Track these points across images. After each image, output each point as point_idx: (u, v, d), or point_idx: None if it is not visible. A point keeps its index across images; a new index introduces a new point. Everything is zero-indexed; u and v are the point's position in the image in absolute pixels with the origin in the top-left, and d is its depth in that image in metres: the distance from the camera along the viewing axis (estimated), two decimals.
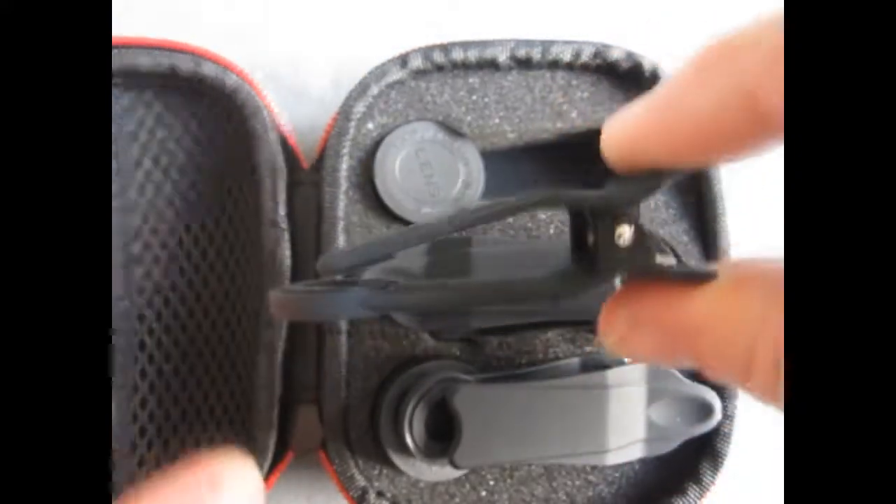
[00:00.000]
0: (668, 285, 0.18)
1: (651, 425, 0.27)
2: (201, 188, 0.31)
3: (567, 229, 0.30)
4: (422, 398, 0.27)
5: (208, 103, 0.31)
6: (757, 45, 0.15)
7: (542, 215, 0.30)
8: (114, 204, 0.30)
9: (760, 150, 0.16)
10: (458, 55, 0.30)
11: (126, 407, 0.30)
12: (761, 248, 0.32)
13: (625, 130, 0.17)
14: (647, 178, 0.17)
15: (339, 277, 0.25)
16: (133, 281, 0.30)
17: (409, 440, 0.27)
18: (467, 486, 0.29)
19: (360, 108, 0.29)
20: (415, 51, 0.30)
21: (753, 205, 0.33)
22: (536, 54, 0.30)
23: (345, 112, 0.29)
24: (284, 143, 0.30)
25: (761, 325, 0.16)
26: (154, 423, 0.30)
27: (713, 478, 0.28)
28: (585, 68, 0.31)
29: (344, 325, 0.29)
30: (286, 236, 0.29)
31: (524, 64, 0.30)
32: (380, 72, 0.29)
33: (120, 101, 0.31)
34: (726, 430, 0.28)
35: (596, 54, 0.30)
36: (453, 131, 0.30)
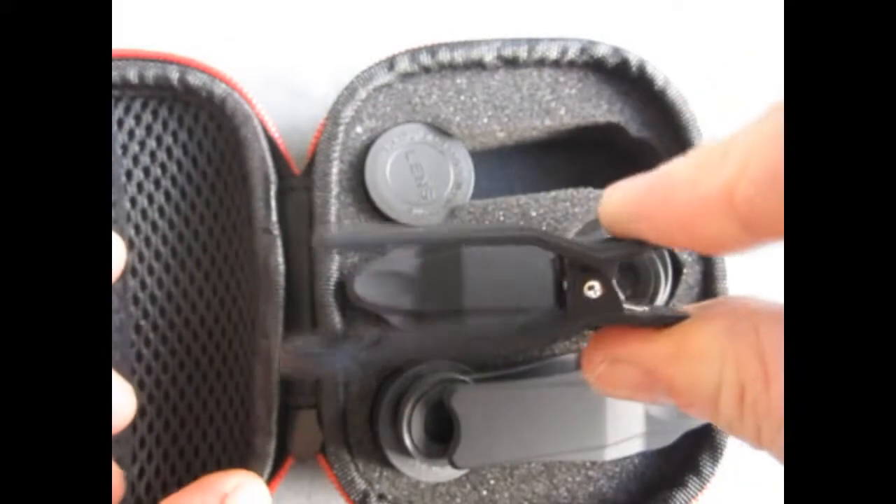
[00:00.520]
0: (643, 327, 0.19)
1: (650, 419, 0.27)
2: (193, 197, 0.31)
3: (559, 227, 0.30)
4: (420, 399, 0.27)
5: (197, 113, 0.31)
6: (742, 150, 0.15)
7: (534, 213, 0.30)
8: None
9: (741, 249, 0.16)
10: (444, 56, 0.30)
11: None
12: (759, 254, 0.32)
13: (621, 206, 0.19)
14: (633, 244, 0.19)
15: (334, 335, 0.28)
16: (128, 292, 0.30)
17: (408, 442, 0.27)
18: (468, 486, 0.29)
19: (348, 112, 0.30)
20: (401, 53, 0.30)
21: None
22: (523, 53, 0.30)
23: (333, 117, 0.29)
24: (275, 149, 0.30)
25: (724, 361, 0.16)
26: (153, 434, 0.30)
27: (713, 469, 0.28)
28: (572, 65, 0.31)
29: (340, 331, 0.29)
30: (279, 242, 0.29)
31: (511, 63, 0.30)
32: (367, 75, 0.30)
33: None
34: None
35: (582, 51, 0.30)
36: (442, 132, 0.30)
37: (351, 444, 0.29)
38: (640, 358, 0.19)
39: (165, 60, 0.30)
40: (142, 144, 0.31)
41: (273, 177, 0.29)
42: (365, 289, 0.28)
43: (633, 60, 0.30)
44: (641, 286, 0.29)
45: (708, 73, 0.36)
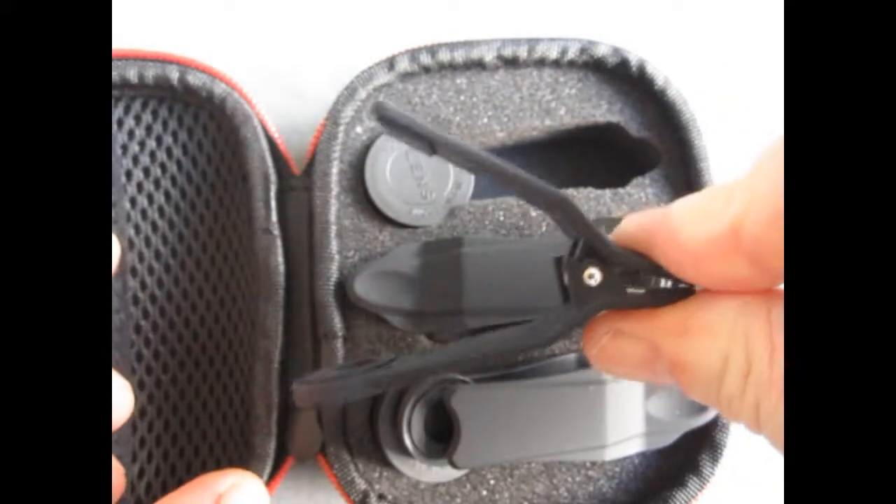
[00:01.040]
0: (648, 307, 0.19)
1: (650, 419, 0.27)
2: (193, 197, 0.31)
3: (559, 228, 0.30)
4: (420, 399, 0.27)
5: (197, 113, 0.31)
6: (746, 190, 0.16)
7: (534, 213, 0.30)
8: None
9: (755, 287, 0.17)
10: (444, 56, 0.30)
11: None
12: None
13: (635, 236, 0.19)
14: (650, 262, 0.19)
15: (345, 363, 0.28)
16: (128, 292, 0.30)
17: (408, 442, 0.27)
18: (468, 486, 0.29)
19: (348, 112, 0.30)
20: (401, 53, 0.30)
21: None
22: (523, 53, 0.30)
23: (333, 117, 0.29)
24: (275, 149, 0.30)
25: (733, 336, 0.16)
26: (153, 434, 0.30)
27: (713, 469, 0.28)
28: (572, 65, 0.31)
29: (340, 331, 0.29)
30: (279, 243, 0.29)
31: (511, 63, 0.30)
32: (367, 75, 0.30)
33: None
34: (725, 421, 0.29)
35: (582, 51, 0.30)
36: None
37: (351, 444, 0.29)
38: (644, 331, 0.19)
39: (165, 60, 0.30)
40: (141, 144, 0.31)
41: (273, 177, 0.29)
42: (365, 289, 0.28)
43: (633, 60, 0.30)
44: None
45: (708, 73, 0.36)
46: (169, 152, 0.31)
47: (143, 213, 0.31)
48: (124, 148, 0.31)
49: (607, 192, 0.30)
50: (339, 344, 0.29)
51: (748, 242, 0.15)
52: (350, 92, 0.29)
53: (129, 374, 0.30)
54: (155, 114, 0.31)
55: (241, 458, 0.29)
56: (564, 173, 0.33)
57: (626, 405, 0.27)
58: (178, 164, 0.31)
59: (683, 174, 0.30)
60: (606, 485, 0.29)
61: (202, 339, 0.30)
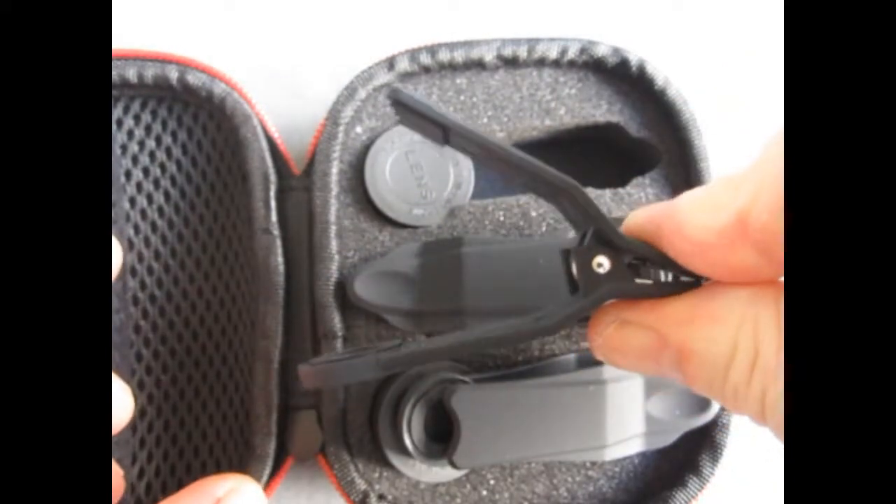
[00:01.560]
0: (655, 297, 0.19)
1: (650, 419, 0.27)
2: (192, 197, 0.31)
3: (559, 227, 0.30)
4: (420, 400, 0.27)
5: (197, 112, 0.31)
6: (753, 180, 0.16)
7: (534, 213, 0.30)
8: None
9: (764, 277, 0.17)
10: (444, 56, 0.30)
11: None
12: None
13: (643, 227, 0.19)
14: (659, 252, 0.19)
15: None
16: (128, 292, 0.30)
17: (408, 442, 0.27)
18: (468, 486, 0.29)
19: (348, 112, 0.29)
20: (401, 53, 0.30)
21: None
22: (523, 53, 0.30)
23: (333, 117, 0.29)
24: (274, 149, 0.30)
25: (741, 325, 0.16)
26: (153, 434, 0.30)
27: (713, 469, 0.28)
28: (572, 65, 0.31)
29: (340, 331, 0.29)
30: (278, 243, 0.29)
31: (511, 63, 0.30)
32: (367, 75, 0.29)
33: None
34: (725, 421, 0.29)
35: (582, 51, 0.30)
36: None
37: (351, 444, 0.29)
38: (651, 320, 0.19)
39: (164, 60, 0.30)
40: (141, 144, 0.31)
41: (273, 177, 0.29)
42: (365, 289, 0.28)
43: (633, 60, 0.30)
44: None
45: (708, 73, 0.36)
46: (168, 152, 0.31)
47: (143, 213, 0.31)
48: (123, 148, 0.31)
49: (607, 192, 0.30)
50: (339, 344, 0.29)
51: (755, 231, 0.15)
52: (350, 92, 0.29)
53: (128, 375, 0.30)
54: (154, 114, 0.31)
55: (241, 458, 0.29)
56: (564, 173, 0.33)
57: (626, 405, 0.27)
58: (178, 163, 0.31)
59: (683, 174, 0.30)
60: (606, 485, 0.29)
61: (202, 339, 0.30)
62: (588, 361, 0.28)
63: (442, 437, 0.27)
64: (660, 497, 0.28)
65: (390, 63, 0.30)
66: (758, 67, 0.36)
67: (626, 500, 0.29)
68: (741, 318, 0.16)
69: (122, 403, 0.24)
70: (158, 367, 0.30)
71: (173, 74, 0.30)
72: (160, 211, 0.31)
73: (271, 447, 0.28)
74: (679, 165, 0.31)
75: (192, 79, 0.30)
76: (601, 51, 0.30)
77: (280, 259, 0.29)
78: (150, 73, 0.30)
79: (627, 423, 0.27)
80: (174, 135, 0.31)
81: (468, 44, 0.30)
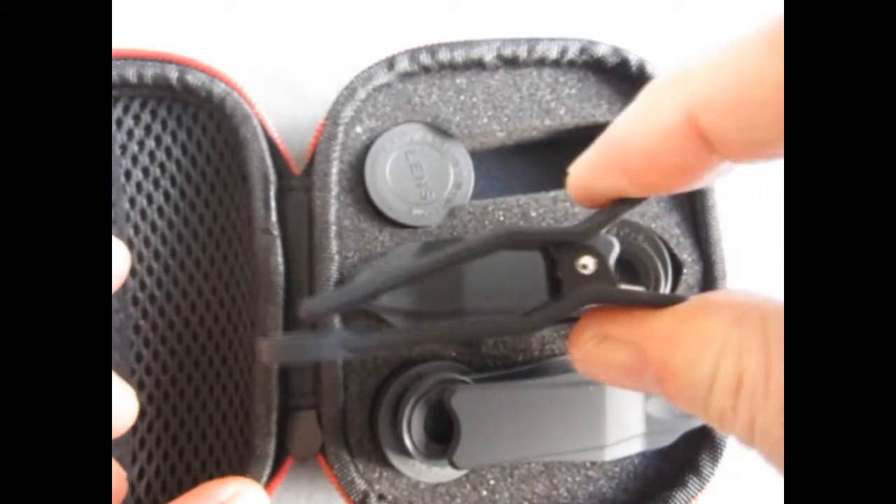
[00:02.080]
0: (637, 308, 0.19)
1: (649, 419, 0.27)
2: (192, 197, 0.31)
3: (558, 227, 0.30)
4: (419, 400, 0.27)
5: (196, 112, 0.31)
6: (698, 72, 0.16)
7: (534, 213, 0.30)
8: None
9: (714, 175, 0.17)
10: (444, 56, 0.30)
11: None
12: (751, 238, 0.32)
13: (588, 166, 0.18)
14: (609, 209, 0.19)
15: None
16: (127, 292, 0.30)
17: (408, 442, 0.27)
18: (468, 486, 0.29)
19: (347, 112, 0.29)
20: (401, 53, 0.30)
21: (745, 195, 0.33)
22: (523, 53, 0.30)
23: (333, 117, 0.29)
24: (274, 149, 0.30)
25: (724, 349, 0.16)
26: (153, 434, 0.30)
27: (713, 469, 0.28)
28: (572, 65, 0.31)
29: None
30: (278, 243, 0.29)
31: (511, 63, 0.30)
32: (367, 75, 0.29)
33: None
34: None
35: (582, 51, 0.30)
36: (442, 132, 0.30)
37: (351, 444, 0.29)
38: (633, 337, 0.18)
39: (164, 60, 0.30)
40: (141, 144, 0.31)
41: (273, 177, 0.29)
42: None
43: (633, 60, 0.30)
44: (641, 285, 0.29)
45: None
46: (168, 152, 0.31)
47: (143, 213, 0.31)
48: (123, 148, 0.31)
49: None
50: None
51: (706, 126, 0.15)
52: (350, 92, 0.29)
53: (128, 375, 0.30)
54: (154, 113, 0.31)
55: (241, 458, 0.29)
56: (564, 173, 0.33)
57: (625, 405, 0.27)
58: (178, 163, 0.31)
59: None
60: (606, 485, 0.29)
61: (202, 339, 0.30)
62: None
63: (442, 438, 0.27)
64: (660, 497, 0.28)
65: (390, 63, 0.30)
66: None
67: (626, 500, 0.29)
68: (723, 343, 0.16)
69: (126, 406, 0.24)
70: (158, 367, 0.30)
71: (173, 74, 0.30)
72: (160, 211, 0.31)
73: (271, 447, 0.28)
74: None
75: (192, 79, 0.30)
76: (601, 51, 0.30)
77: (280, 259, 0.29)
78: (149, 72, 0.30)
79: (627, 424, 0.27)
80: (174, 135, 0.31)
81: (468, 44, 0.30)
